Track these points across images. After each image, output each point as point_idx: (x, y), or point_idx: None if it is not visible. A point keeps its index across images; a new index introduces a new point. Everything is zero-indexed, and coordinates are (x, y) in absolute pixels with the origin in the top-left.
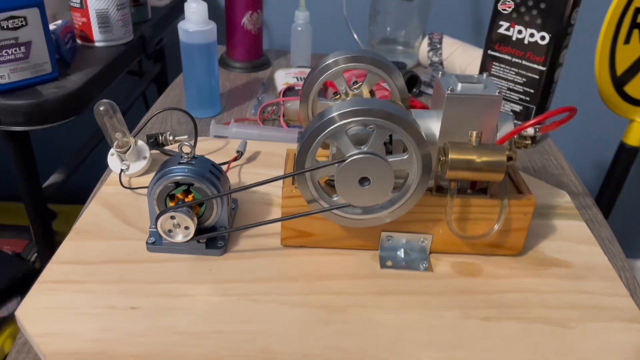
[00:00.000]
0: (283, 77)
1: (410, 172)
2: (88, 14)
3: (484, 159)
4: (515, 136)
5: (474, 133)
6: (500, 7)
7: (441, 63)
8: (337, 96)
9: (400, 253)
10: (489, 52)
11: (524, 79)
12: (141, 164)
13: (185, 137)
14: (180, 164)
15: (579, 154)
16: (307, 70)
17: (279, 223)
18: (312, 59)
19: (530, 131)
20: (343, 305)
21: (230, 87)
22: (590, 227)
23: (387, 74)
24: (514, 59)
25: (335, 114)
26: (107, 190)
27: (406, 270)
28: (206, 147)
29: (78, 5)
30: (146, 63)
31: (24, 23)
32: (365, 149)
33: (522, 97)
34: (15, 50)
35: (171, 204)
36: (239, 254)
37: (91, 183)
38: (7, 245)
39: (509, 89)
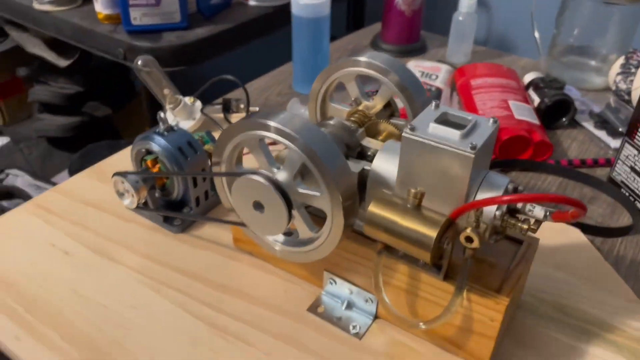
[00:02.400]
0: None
1: (327, 215)
2: None
3: (409, 225)
4: (502, 213)
5: (412, 191)
6: None
7: (628, 93)
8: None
9: (342, 304)
10: None
11: None
12: (189, 124)
13: (257, 109)
14: (156, 133)
15: None
16: (442, 67)
17: None
18: (474, 56)
19: (538, 213)
20: (228, 332)
21: None
22: None
23: (404, 95)
24: None
25: (246, 121)
26: None
27: (333, 327)
28: None
29: None
30: None
31: None
32: (276, 171)
33: None
34: None
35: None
36: (193, 239)
37: None
38: None
39: None
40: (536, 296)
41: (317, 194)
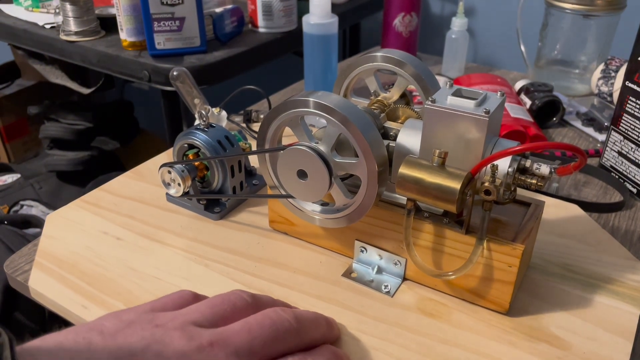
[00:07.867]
0: None
1: (362, 180)
2: (256, 2)
3: (435, 181)
4: (514, 170)
5: (437, 152)
6: None
7: (610, 95)
8: (372, 96)
9: (373, 269)
10: (627, 83)
11: None
12: None
13: None
14: (196, 129)
15: None
16: (440, 79)
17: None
18: (466, 72)
19: (544, 170)
20: (273, 294)
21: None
22: None
23: (420, 85)
24: None
25: (287, 101)
26: None
27: (366, 288)
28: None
29: None
30: None
31: (180, 1)
32: (316, 144)
33: None
34: (171, 23)
35: None
36: (232, 224)
37: None
38: None
39: None
40: (544, 259)
41: (355, 160)
